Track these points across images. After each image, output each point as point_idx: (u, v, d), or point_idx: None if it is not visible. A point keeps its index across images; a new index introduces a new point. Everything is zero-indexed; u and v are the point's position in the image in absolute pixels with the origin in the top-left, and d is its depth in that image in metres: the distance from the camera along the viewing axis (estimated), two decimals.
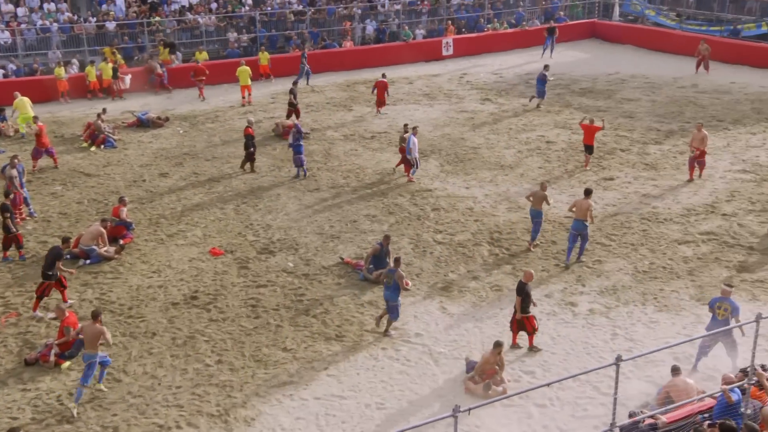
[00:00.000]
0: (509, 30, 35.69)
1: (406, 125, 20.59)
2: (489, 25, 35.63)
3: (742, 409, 9.24)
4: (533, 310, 12.93)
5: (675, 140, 22.44)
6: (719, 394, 9.41)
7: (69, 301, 14.16)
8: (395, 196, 19.15)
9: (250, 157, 20.76)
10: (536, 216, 16.01)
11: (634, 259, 15.63)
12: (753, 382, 9.37)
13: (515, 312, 12.64)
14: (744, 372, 9.70)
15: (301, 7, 34.06)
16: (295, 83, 26.46)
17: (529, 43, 35.35)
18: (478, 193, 19.20)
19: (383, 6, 35.22)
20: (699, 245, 16.09)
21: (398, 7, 35.14)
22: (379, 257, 15.11)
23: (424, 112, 26.14)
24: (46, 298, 14.08)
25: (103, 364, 11.85)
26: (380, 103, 25.72)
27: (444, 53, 33.77)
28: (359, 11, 34.41)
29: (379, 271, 14.99)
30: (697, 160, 19.34)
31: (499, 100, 27.44)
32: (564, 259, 15.49)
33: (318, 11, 34.09)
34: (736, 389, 9.38)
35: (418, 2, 35.80)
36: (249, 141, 20.63)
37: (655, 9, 36.52)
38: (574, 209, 15.45)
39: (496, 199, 18.79)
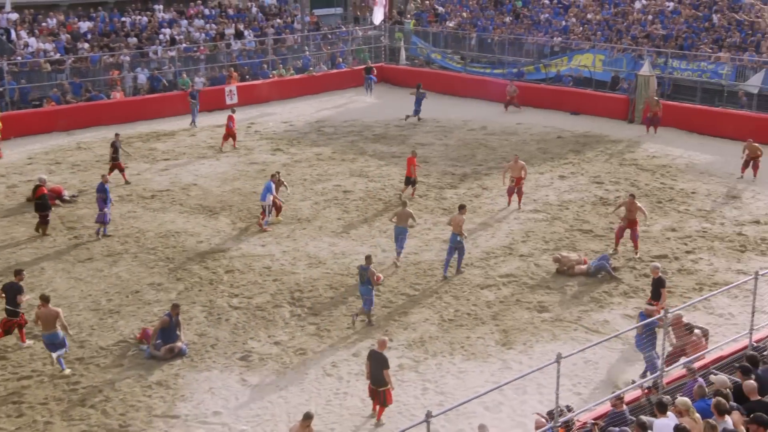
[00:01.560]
0: (296, 76, 36.50)
1: (276, 173, 21.33)
2: (274, 72, 36.21)
3: None
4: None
5: (469, 183, 24.00)
6: None
7: (28, 342, 14.92)
8: (183, 260, 18.60)
9: (44, 220, 19.98)
10: (400, 233, 18.24)
11: (439, 307, 16.34)
12: (559, 424, 10.06)
13: (384, 385, 12.39)
14: (551, 414, 10.39)
15: (58, 56, 32.45)
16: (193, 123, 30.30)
17: (318, 89, 36.35)
18: (275, 251, 19.17)
19: (156, 53, 34.55)
20: (500, 288, 17.19)
21: (173, 53, 34.64)
22: (168, 330, 14.52)
23: (211, 166, 25.82)
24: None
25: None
26: (232, 137, 27.59)
27: (228, 102, 33.73)
28: (128, 58, 33.46)
29: (169, 345, 14.40)
30: (517, 187, 21.36)
31: (291, 150, 27.80)
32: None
33: (79, 59, 32.66)
34: None
35: (195, 48, 35.58)
36: (43, 202, 19.91)
37: (440, 52, 39.22)
38: (451, 224, 17.69)
39: (294, 255, 18.86)
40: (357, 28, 42.11)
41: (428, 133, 29.99)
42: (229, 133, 27.41)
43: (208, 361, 14.38)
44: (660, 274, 15.18)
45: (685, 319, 12.61)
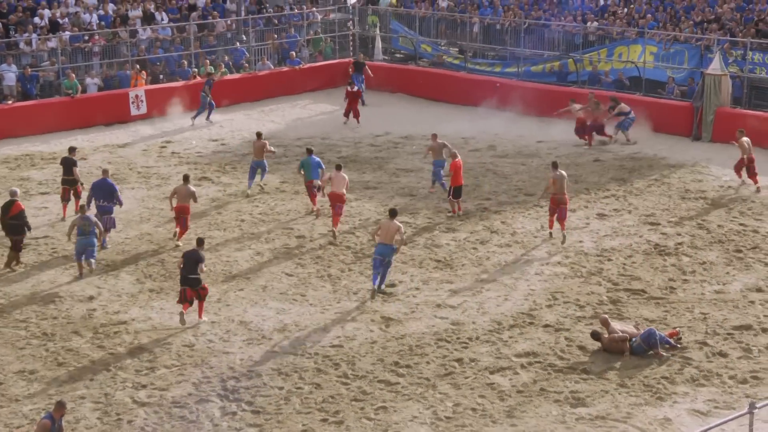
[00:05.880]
0: (230, 76, 36.61)
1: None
2: (196, 70, 36.21)
3: None
4: None
5: (473, 225, 24.11)
6: None
7: (204, 318, 18.95)
8: (67, 336, 18.49)
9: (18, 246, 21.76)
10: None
11: (432, 400, 16.27)
12: None
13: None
14: None
15: None
16: None
17: (262, 94, 36.58)
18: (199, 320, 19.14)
19: (29, 44, 34.53)
20: (518, 372, 17.17)
21: (53, 44, 34.68)
22: None
23: None
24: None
25: None
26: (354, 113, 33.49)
27: (133, 112, 33.91)
28: None
29: None
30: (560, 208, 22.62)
31: (224, 179, 27.83)
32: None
33: None
34: None
35: (86, 37, 35.62)
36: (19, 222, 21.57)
37: (430, 44, 39.64)
38: (379, 233, 19.95)
39: (227, 327, 18.78)
40: (315, 9, 42.47)
41: (414, 154, 30.16)
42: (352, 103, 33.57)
43: None
44: None
45: None
